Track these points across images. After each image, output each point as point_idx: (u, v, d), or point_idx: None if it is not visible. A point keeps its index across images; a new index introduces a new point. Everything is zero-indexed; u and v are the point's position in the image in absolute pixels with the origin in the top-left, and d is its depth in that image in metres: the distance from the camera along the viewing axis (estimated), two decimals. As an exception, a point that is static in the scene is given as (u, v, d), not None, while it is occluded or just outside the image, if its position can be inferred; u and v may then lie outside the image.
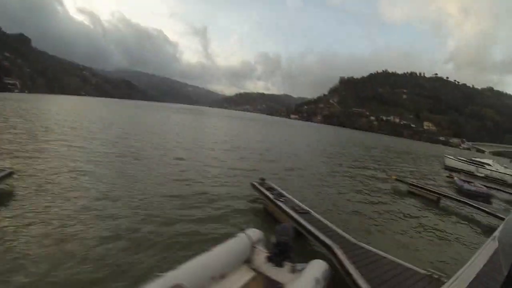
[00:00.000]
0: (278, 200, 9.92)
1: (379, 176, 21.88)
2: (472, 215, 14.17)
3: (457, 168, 33.82)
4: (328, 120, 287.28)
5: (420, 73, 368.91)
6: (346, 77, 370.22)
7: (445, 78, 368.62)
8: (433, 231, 11.24)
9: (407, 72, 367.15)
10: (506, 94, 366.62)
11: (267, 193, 10.58)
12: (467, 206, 14.37)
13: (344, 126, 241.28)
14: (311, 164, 23.60)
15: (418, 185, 17.30)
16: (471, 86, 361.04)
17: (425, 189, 16.55)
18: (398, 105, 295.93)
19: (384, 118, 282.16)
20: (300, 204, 9.85)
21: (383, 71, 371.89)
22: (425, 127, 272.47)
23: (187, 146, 24.06)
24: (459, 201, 14.86)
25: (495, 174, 31.28)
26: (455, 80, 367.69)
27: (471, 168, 33.33)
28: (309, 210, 9.31)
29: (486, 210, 13.36)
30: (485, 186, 21.17)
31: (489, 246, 6.53)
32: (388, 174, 22.02)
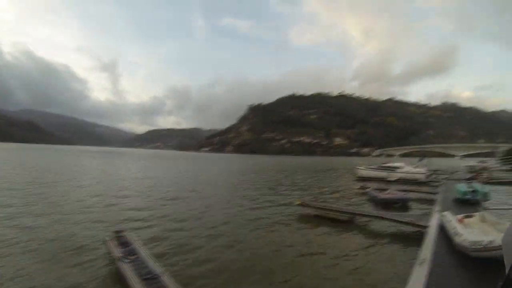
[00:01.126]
0: (123, 260, 7.53)
1: (282, 202, 19.24)
2: (391, 229, 12.93)
3: (369, 177, 34.01)
4: (240, 148, 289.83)
5: (327, 93, 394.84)
6: (254, 104, 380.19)
7: (350, 94, 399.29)
8: (349, 258, 9.66)
9: (314, 93, 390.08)
10: (405, 102, 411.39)
11: (115, 250, 8.22)
12: (384, 220, 13.18)
13: (256, 153, 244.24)
14: (205, 198, 20.55)
15: (326, 206, 15.64)
16: (373, 99, 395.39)
17: (335, 210, 14.97)
18: (308, 126, 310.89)
19: (295, 139, 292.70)
20: (152, 265, 7.31)
21: (290, 94, 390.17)
22: (336, 143, 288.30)
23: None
24: (374, 216, 13.75)
25: (406, 176, 32.06)
26: (359, 96, 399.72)
27: (383, 174, 33.73)
28: (159, 274, 6.68)
29: (404, 220, 12.35)
30: (400, 190, 20.75)
31: (417, 273, 6.21)
32: (293, 199, 19.53)
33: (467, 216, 9.03)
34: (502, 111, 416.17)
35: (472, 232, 7.67)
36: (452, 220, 8.66)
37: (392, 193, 19.53)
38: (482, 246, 6.45)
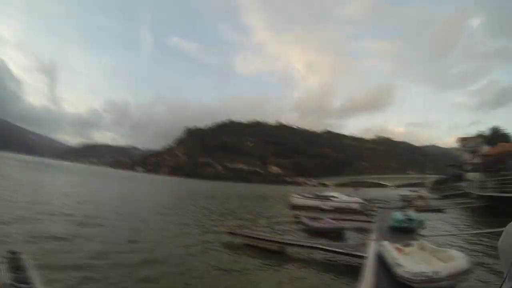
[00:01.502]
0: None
1: (211, 230, 17.83)
2: (325, 260, 12.00)
3: (304, 206, 33.56)
4: (175, 171, 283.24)
5: (265, 121, 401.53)
6: (192, 128, 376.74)
7: (288, 125, 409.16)
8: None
9: (253, 121, 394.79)
10: (341, 135, 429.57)
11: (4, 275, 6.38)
12: (317, 250, 12.27)
13: (190, 177, 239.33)
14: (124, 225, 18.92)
15: (255, 235, 14.51)
16: (311, 130, 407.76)
17: (265, 240, 13.86)
18: (245, 153, 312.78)
19: (231, 166, 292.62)
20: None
21: (228, 120, 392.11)
22: (271, 171, 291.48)
23: None
24: (306, 246, 12.81)
25: (342, 205, 31.94)
26: (297, 126, 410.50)
27: (318, 203, 33.40)
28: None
29: (339, 250, 11.58)
30: (335, 219, 20.07)
31: None
32: (220, 227, 17.76)
33: (406, 245, 8.57)
34: (431, 146, 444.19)
35: (414, 262, 7.13)
36: (392, 250, 8.07)
37: (327, 222, 18.75)
38: (427, 277, 6.09)
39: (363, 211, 29.56)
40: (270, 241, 13.56)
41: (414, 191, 62.94)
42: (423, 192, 64.51)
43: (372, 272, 7.43)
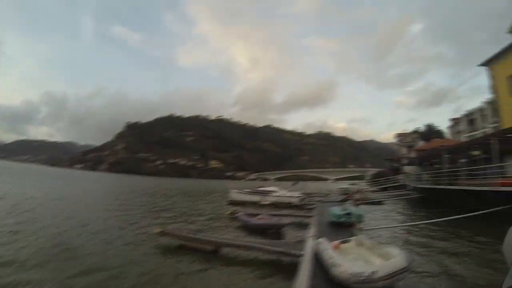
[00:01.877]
0: None
1: (141, 232, 16.67)
2: (262, 259, 11.44)
3: (243, 201, 33.04)
4: (115, 167, 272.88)
5: (206, 116, 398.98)
6: (132, 122, 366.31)
7: (228, 119, 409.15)
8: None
9: (193, 115, 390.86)
10: (282, 129, 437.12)
11: None
12: (253, 250, 11.70)
13: (131, 173, 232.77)
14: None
15: (190, 235, 13.53)
16: (252, 125, 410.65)
17: (200, 240, 13.07)
18: (185, 147, 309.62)
19: (171, 161, 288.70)
20: None
21: (169, 115, 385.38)
22: (211, 166, 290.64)
23: None
24: (241, 246, 12.20)
25: (281, 199, 31.56)
26: (238, 121, 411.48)
27: (257, 198, 32.96)
28: None
29: (275, 249, 11.03)
30: (274, 215, 19.84)
31: None
32: (155, 229, 16.21)
33: (343, 242, 8.27)
34: (370, 141, 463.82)
35: (351, 261, 6.86)
36: (328, 248, 7.67)
37: (265, 218, 18.17)
38: (363, 278, 5.81)
39: (303, 205, 29.17)
40: (206, 241, 12.88)
41: (353, 184, 64.81)
42: (361, 185, 66.71)
43: (308, 272, 7.07)
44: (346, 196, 32.88)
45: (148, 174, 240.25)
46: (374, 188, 56.83)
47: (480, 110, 49.89)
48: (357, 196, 32.70)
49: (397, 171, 60.70)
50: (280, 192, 33.57)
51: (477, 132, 48.86)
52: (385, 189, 51.28)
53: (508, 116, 31.38)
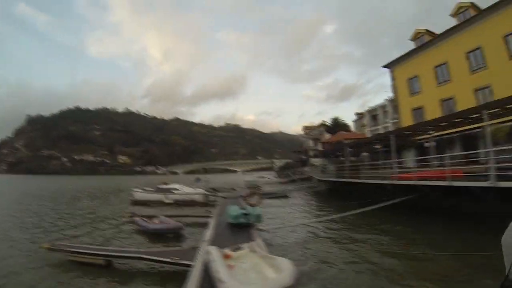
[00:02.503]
0: None
1: (27, 247, 14.06)
2: (158, 271, 10.34)
3: (146, 201, 31.05)
4: (15, 168, 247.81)
5: (113, 108, 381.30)
6: (33, 116, 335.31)
7: (136, 112, 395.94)
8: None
9: (100, 108, 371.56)
10: (190, 122, 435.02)
11: None
12: (145, 261, 10.56)
13: (34, 173, 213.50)
14: None
15: (80, 249, 12.03)
16: (160, 117, 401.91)
17: (90, 253, 11.60)
18: (92, 142, 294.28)
19: (77, 157, 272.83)
20: None
21: (75, 107, 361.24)
22: (120, 161, 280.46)
23: None
24: (133, 257, 10.97)
25: (184, 197, 30.54)
26: (146, 114, 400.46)
27: (160, 197, 31.25)
28: None
29: (166, 260, 10.01)
30: (174, 216, 18.80)
31: None
32: (42, 245, 13.55)
33: (235, 249, 8.27)
34: (278, 133, 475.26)
35: (242, 272, 6.98)
36: (217, 259, 7.21)
37: (164, 221, 17.06)
38: None
39: (207, 203, 28.35)
40: (96, 254, 11.51)
41: (261, 177, 64.87)
42: (270, 176, 67.23)
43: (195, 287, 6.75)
44: (250, 191, 32.22)
45: (54, 173, 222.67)
46: (283, 180, 57.45)
47: (382, 107, 52.51)
48: (252, 201, 31.52)
49: (304, 163, 61.83)
50: (183, 189, 32.44)
51: (379, 127, 51.55)
52: (293, 181, 51.86)
53: (406, 114, 34.53)
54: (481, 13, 26.80)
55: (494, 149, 12.65)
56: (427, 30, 34.06)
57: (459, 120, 19.43)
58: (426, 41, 32.82)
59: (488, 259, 7.91)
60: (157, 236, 15.46)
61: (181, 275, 9.10)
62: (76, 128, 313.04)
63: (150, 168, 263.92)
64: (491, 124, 18.65)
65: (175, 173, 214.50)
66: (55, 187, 70.94)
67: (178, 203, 29.44)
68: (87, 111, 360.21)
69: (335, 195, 27.89)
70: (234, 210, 14.05)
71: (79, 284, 9.65)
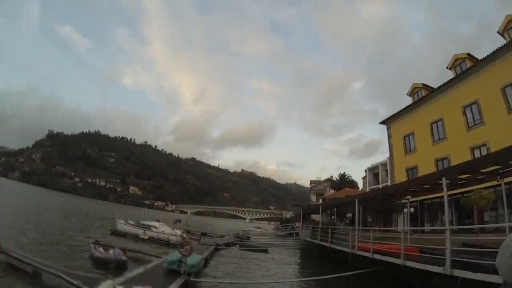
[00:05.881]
0: None
1: None
2: None
3: (125, 232, 31.72)
4: (28, 178, 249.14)
5: (130, 139, 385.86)
6: (55, 131, 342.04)
7: (153, 146, 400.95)
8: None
9: (119, 136, 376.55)
10: (206, 164, 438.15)
11: None
12: (63, 280, 11.42)
13: (45, 187, 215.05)
14: None
15: (17, 256, 13.70)
16: (177, 155, 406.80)
17: (22, 261, 13.22)
18: (105, 168, 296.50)
19: (90, 180, 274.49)
20: None
21: (95, 131, 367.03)
22: (130, 191, 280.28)
23: None
24: (53, 274, 11.97)
25: (160, 236, 30.98)
26: (162, 149, 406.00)
27: (139, 231, 31.89)
28: None
29: (74, 282, 10.87)
30: (127, 250, 19.06)
31: None
32: None
33: None
34: (293, 184, 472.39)
35: None
36: None
37: (115, 252, 17.48)
38: None
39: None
40: (26, 263, 13.12)
41: (257, 227, 63.87)
42: (268, 227, 66.05)
43: None
44: (184, 240, 31.54)
45: (64, 190, 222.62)
46: (279, 233, 56.59)
47: (383, 165, 51.28)
48: (182, 249, 30.16)
49: (304, 218, 60.60)
50: (162, 228, 32.97)
51: (379, 185, 50.04)
52: (291, 235, 51.18)
53: (401, 173, 32.71)
54: (478, 64, 24.77)
55: (449, 227, 10.84)
56: (424, 85, 32.73)
57: (428, 186, 17.39)
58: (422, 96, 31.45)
59: None
60: (99, 263, 16.22)
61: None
62: (92, 151, 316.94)
63: (159, 203, 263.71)
64: (471, 190, 17.45)
65: (184, 212, 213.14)
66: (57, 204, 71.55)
67: (153, 240, 29.65)
68: (106, 137, 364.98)
69: (316, 256, 26.64)
70: (174, 255, 14.33)
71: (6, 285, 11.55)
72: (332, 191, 62.03)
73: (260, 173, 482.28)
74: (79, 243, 22.59)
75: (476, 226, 16.95)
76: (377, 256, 14.33)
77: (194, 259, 15.01)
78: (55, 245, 20.47)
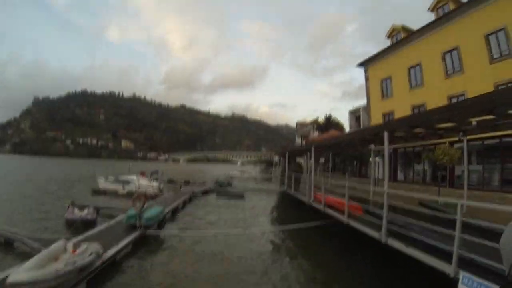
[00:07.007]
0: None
1: None
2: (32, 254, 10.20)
3: (106, 190, 31.59)
4: (19, 149, 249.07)
5: (119, 93, 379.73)
6: (40, 97, 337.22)
7: (142, 98, 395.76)
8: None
9: (106, 92, 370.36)
10: (196, 110, 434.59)
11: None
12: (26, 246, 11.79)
13: (38, 155, 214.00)
14: None
15: None
16: (166, 104, 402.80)
17: None
18: (96, 126, 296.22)
19: (81, 140, 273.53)
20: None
21: (82, 90, 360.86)
22: (122, 146, 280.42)
23: None
24: (19, 240, 12.33)
25: (139, 189, 29.94)
26: (152, 100, 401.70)
27: (118, 187, 31.55)
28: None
29: (34, 246, 11.14)
30: (101, 208, 19.59)
31: None
32: None
33: (76, 245, 9.26)
34: (284, 126, 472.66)
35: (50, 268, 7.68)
36: (49, 250, 8.79)
37: (87, 212, 17.49)
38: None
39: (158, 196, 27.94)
40: None
41: (243, 171, 64.32)
42: (253, 171, 66.58)
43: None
44: (137, 195, 31.63)
45: (57, 155, 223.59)
46: (263, 176, 56.97)
47: (364, 108, 50.79)
48: (136, 204, 30.10)
49: (289, 160, 60.84)
50: (140, 181, 31.83)
51: (360, 128, 49.82)
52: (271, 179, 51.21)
53: (377, 118, 31.75)
54: (462, 7, 22.60)
55: (387, 188, 9.19)
56: (403, 27, 30.88)
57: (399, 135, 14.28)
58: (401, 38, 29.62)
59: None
60: (68, 224, 16.21)
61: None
62: (81, 111, 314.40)
63: (152, 154, 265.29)
64: (433, 144, 17.22)
65: (177, 160, 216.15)
66: (45, 172, 70.44)
67: (131, 195, 28.97)
68: (93, 94, 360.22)
69: (287, 203, 26.52)
70: (132, 210, 14.13)
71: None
72: (316, 133, 61.77)
73: (252, 116, 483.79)
74: (58, 207, 21.46)
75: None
76: (328, 211, 13.38)
77: (153, 211, 15.15)
78: (31, 213, 20.37)
